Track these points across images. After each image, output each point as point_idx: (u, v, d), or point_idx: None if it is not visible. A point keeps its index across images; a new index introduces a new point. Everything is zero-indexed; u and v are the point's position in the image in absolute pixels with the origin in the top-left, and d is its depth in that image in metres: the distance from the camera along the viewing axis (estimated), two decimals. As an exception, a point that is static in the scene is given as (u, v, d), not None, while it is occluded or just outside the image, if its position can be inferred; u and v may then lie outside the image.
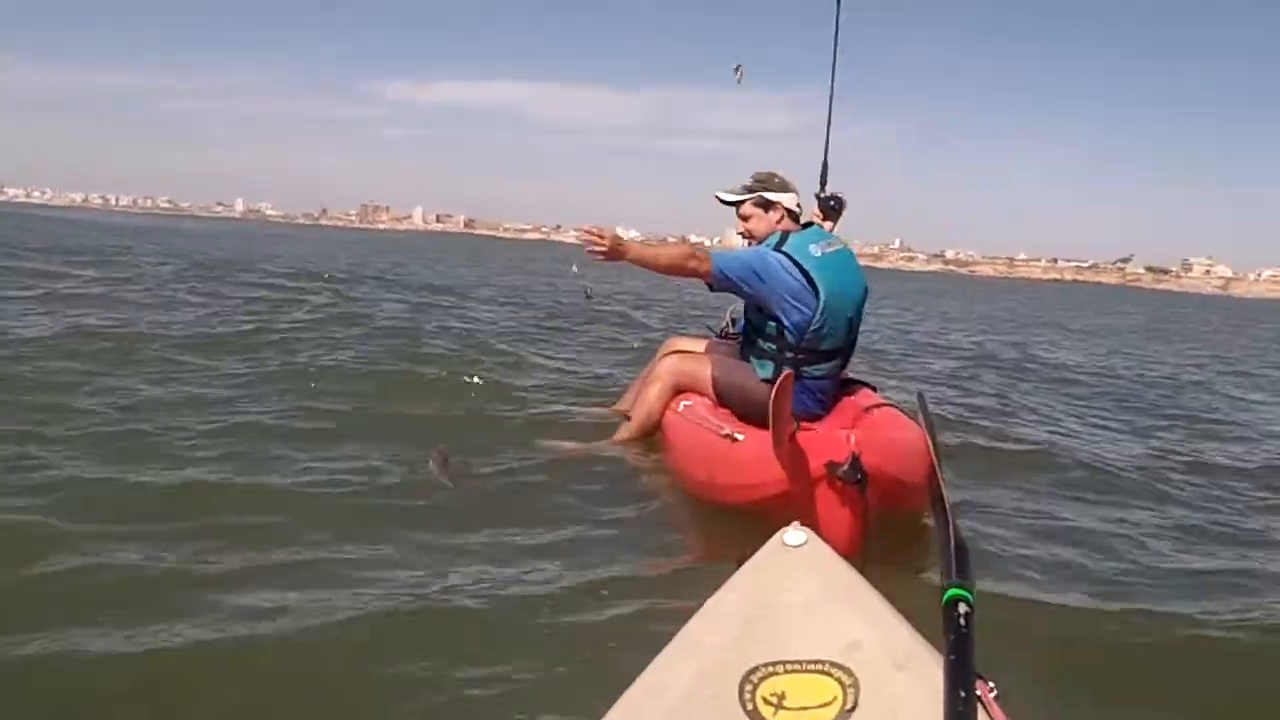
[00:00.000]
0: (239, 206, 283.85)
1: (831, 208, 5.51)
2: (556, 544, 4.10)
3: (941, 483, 1.73)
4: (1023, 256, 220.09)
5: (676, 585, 3.50)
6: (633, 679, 1.77)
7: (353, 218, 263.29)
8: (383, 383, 7.11)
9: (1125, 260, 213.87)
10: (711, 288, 4.89)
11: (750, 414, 4.62)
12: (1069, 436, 7.33)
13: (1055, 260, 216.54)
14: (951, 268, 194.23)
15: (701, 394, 5.07)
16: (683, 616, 1.86)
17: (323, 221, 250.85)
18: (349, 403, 6.32)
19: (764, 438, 3.85)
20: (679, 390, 5.21)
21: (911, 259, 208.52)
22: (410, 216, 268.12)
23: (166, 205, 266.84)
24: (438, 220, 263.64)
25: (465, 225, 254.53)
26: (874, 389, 5.28)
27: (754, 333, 5.03)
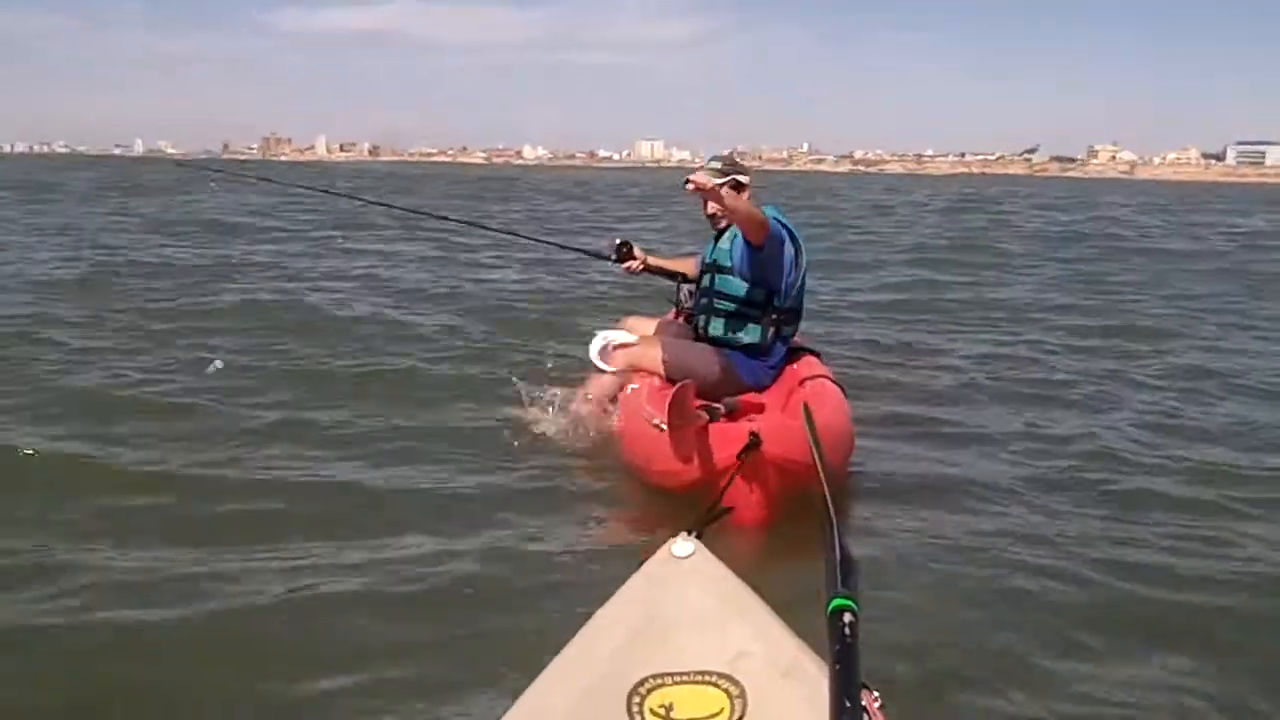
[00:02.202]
0: (138, 147, 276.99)
1: None
2: (479, 523, 4.25)
3: (826, 492, 1.73)
4: (930, 153, 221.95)
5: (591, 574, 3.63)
6: (529, 679, 1.78)
7: (254, 151, 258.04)
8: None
9: (1031, 151, 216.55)
10: (759, 248, 5.03)
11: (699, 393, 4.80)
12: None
13: (963, 154, 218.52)
14: (860, 168, 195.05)
15: (653, 373, 5.20)
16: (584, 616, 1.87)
17: (225, 157, 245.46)
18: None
19: (692, 432, 4.17)
20: (630, 370, 5.36)
21: (820, 161, 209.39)
22: (313, 148, 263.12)
23: (63, 149, 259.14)
24: (341, 149, 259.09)
25: (370, 153, 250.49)
26: (818, 355, 5.65)
27: (738, 303, 5.22)
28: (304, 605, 3.43)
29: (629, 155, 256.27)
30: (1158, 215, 31.73)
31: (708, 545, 1.88)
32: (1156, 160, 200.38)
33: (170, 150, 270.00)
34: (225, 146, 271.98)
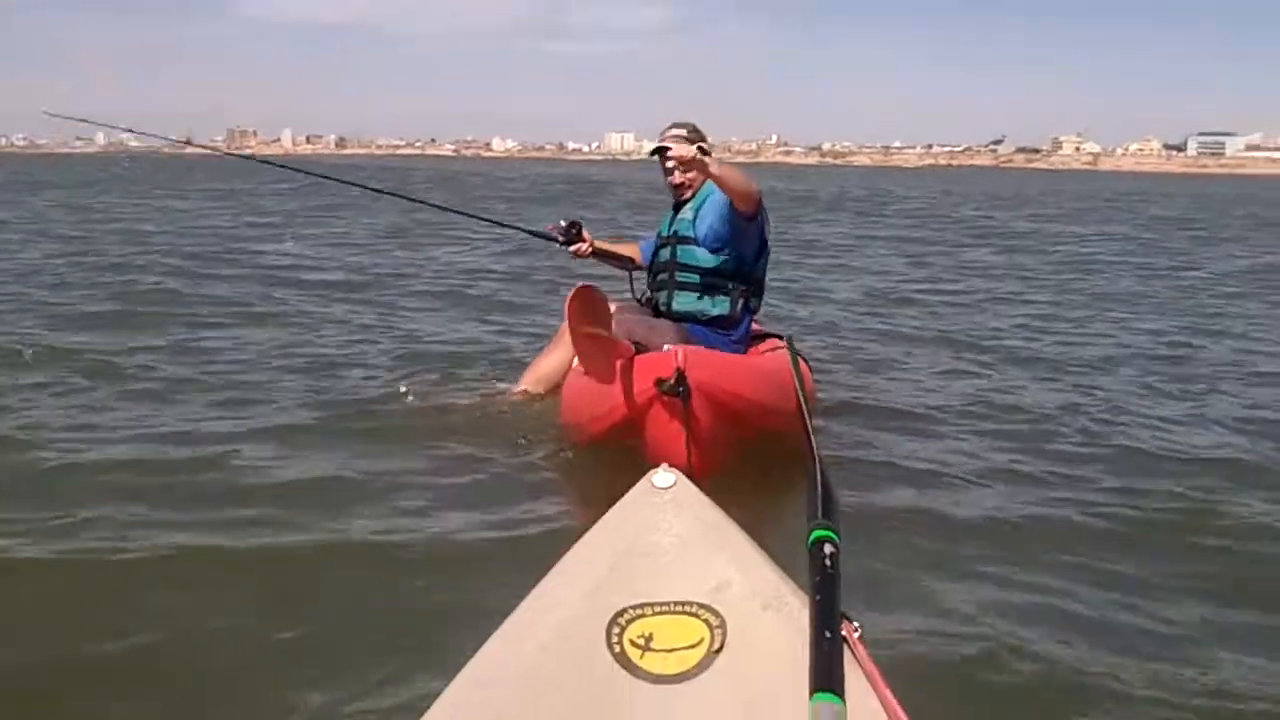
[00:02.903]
0: (99, 139, 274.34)
1: None
2: (427, 494, 4.21)
3: (808, 422, 1.73)
4: (897, 144, 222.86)
5: (544, 537, 3.59)
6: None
7: (220, 144, 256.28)
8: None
9: (997, 142, 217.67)
10: (751, 217, 4.94)
11: None
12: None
13: (930, 146, 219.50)
14: (828, 159, 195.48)
15: None
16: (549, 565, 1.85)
17: (188, 150, 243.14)
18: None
19: (616, 364, 3.99)
20: None
21: (789, 153, 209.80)
22: (279, 140, 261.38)
23: (22, 142, 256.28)
24: (307, 141, 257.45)
25: (337, 145, 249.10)
26: (787, 340, 5.29)
27: (706, 274, 5.06)
28: (256, 579, 3.38)
29: (599, 147, 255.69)
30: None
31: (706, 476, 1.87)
32: (1120, 151, 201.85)
33: (133, 144, 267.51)
34: (188, 140, 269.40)
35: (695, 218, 5.09)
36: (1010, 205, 33.95)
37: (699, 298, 5.07)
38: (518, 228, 5.94)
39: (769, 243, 5.20)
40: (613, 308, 5.24)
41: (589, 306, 4.03)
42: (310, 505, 3.99)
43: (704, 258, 5.06)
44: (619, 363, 3.97)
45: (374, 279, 11.06)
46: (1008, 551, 3.71)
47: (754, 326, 5.38)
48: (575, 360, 4.96)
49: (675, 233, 5.17)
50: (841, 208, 30.56)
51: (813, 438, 1.78)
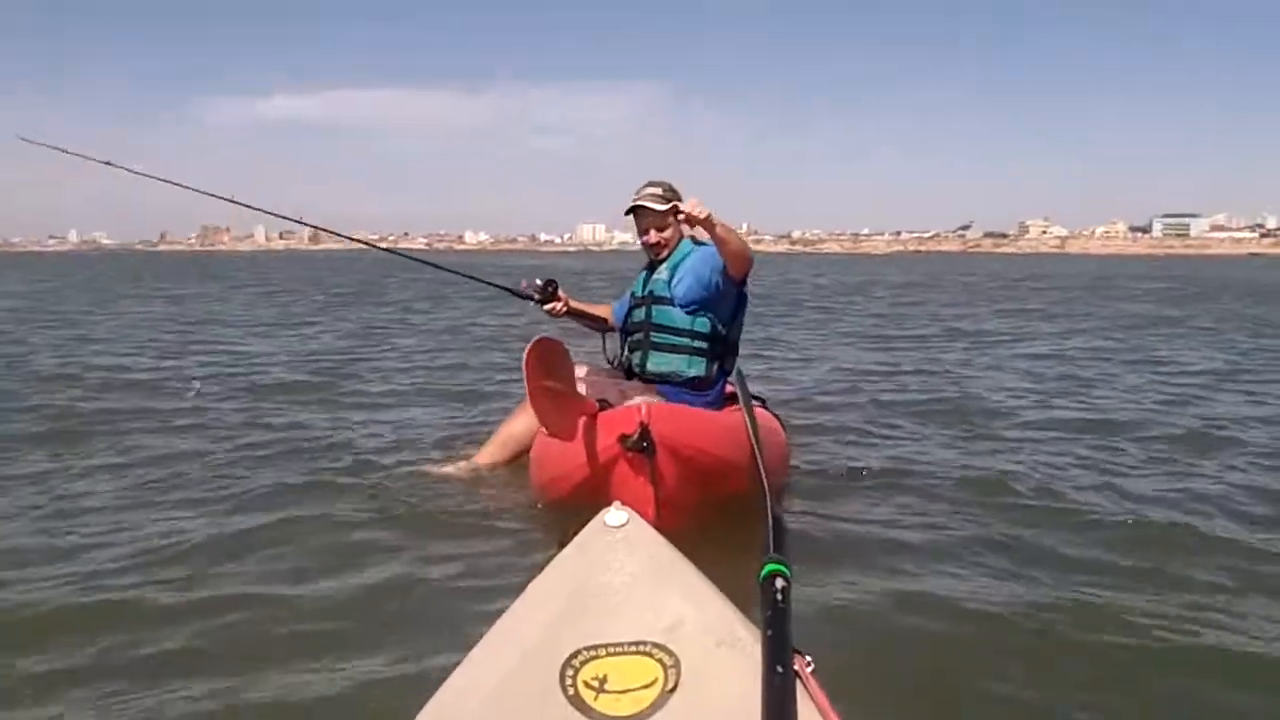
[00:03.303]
0: (72, 237, 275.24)
1: None
2: (388, 556, 4.11)
3: (760, 459, 1.72)
4: (866, 231, 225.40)
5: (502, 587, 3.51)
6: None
7: (193, 241, 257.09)
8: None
9: (965, 228, 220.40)
10: (741, 280, 4.90)
11: None
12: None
13: (899, 233, 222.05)
14: (798, 247, 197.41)
15: None
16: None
17: (161, 248, 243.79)
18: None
19: (581, 422, 3.92)
20: None
21: (759, 240, 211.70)
22: (252, 236, 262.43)
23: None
24: (281, 237, 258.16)
25: (310, 240, 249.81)
26: (763, 401, 5.36)
27: (683, 335, 4.97)
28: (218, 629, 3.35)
29: (570, 238, 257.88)
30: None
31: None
32: (1086, 234, 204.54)
33: (105, 240, 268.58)
34: (162, 236, 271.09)
35: (672, 278, 5.01)
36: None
37: (675, 359, 4.97)
38: (496, 285, 5.93)
39: (746, 304, 5.10)
40: (583, 370, 5.14)
41: (547, 360, 3.96)
42: (269, 568, 3.95)
43: (681, 318, 4.95)
44: (582, 419, 3.92)
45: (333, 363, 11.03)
46: (962, 584, 3.72)
47: (728, 388, 5.25)
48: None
49: (651, 292, 5.07)
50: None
51: (763, 472, 1.78)
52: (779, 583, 1.72)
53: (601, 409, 3.93)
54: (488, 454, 5.34)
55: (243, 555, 4.08)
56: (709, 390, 4.93)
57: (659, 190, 5.02)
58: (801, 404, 8.02)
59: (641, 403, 3.80)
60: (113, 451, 6.06)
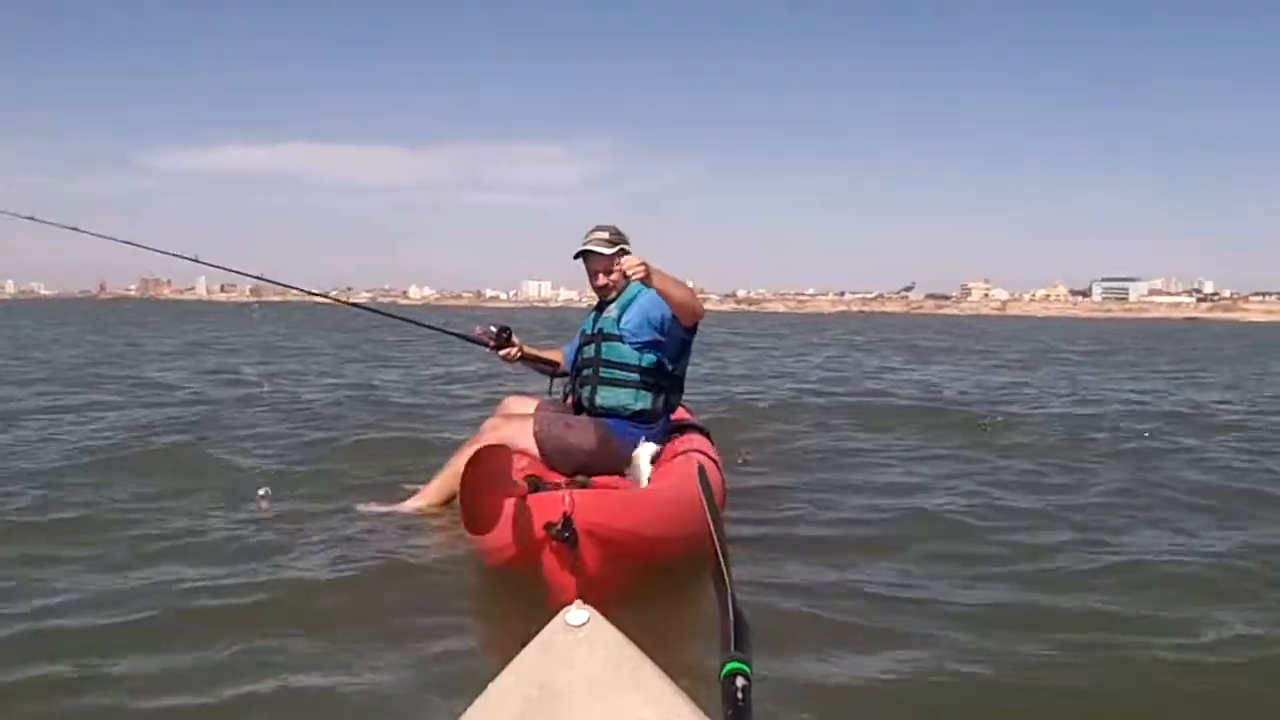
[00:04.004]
0: (9, 288, 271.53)
1: None
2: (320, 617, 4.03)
3: (721, 555, 1.72)
4: (811, 291, 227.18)
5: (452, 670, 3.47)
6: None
7: (133, 291, 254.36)
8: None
9: (908, 289, 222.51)
10: (689, 329, 5.19)
11: (569, 465, 4.80)
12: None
13: (843, 293, 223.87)
14: (743, 306, 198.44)
15: (525, 453, 4.94)
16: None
17: (102, 297, 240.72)
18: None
19: (510, 504, 3.93)
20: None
21: (705, 298, 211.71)
22: (193, 288, 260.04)
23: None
24: (222, 290, 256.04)
25: (251, 293, 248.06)
26: (706, 434, 5.65)
27: (630, 370, 5.19)
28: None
29: (516, 295, 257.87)
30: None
31: (606, 611, 1.87)
32: (1027, 297, 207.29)
33: (44, 290, 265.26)
34: (102, 286, 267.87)
35: (621, 316, 5.23)
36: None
37: (622, 393, 5.18)
38: (451, 333, 5.98)
39: (691, 344, 5.34)
40: (533, 405, 5.36)
41: (488, 470, 3.97)
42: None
43: (628, 354, 5.19)
44: (511, 500, 3.93)
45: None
46: (928, 658, 3.66)
47: (679, 413, 5.61)
48: None
49: (600, 330, 5.30)
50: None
51: (726, 569, 1.78)
52: (739, 681, 1.73)
53: (533, 490, 3.93)
54: (432, 492, 5.40)
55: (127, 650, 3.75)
56: (655, 423, 5.16)
57: (605, 234, 5.28)
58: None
59: (567, 492, 3.77)
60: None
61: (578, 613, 1.87)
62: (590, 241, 5.28)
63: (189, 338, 28.00)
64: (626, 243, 5.31)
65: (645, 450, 4.98)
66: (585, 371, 5.33)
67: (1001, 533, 5.44)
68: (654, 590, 4.04)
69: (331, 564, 4.63)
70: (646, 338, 5.16)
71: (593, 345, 5.33)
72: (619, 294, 5.32)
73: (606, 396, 5.20)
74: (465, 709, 1.81)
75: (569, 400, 5.53)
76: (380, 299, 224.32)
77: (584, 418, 5.17)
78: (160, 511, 5.59)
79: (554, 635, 1.86)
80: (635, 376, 5.19)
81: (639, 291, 5.16)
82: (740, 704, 1.67)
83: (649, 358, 5.18)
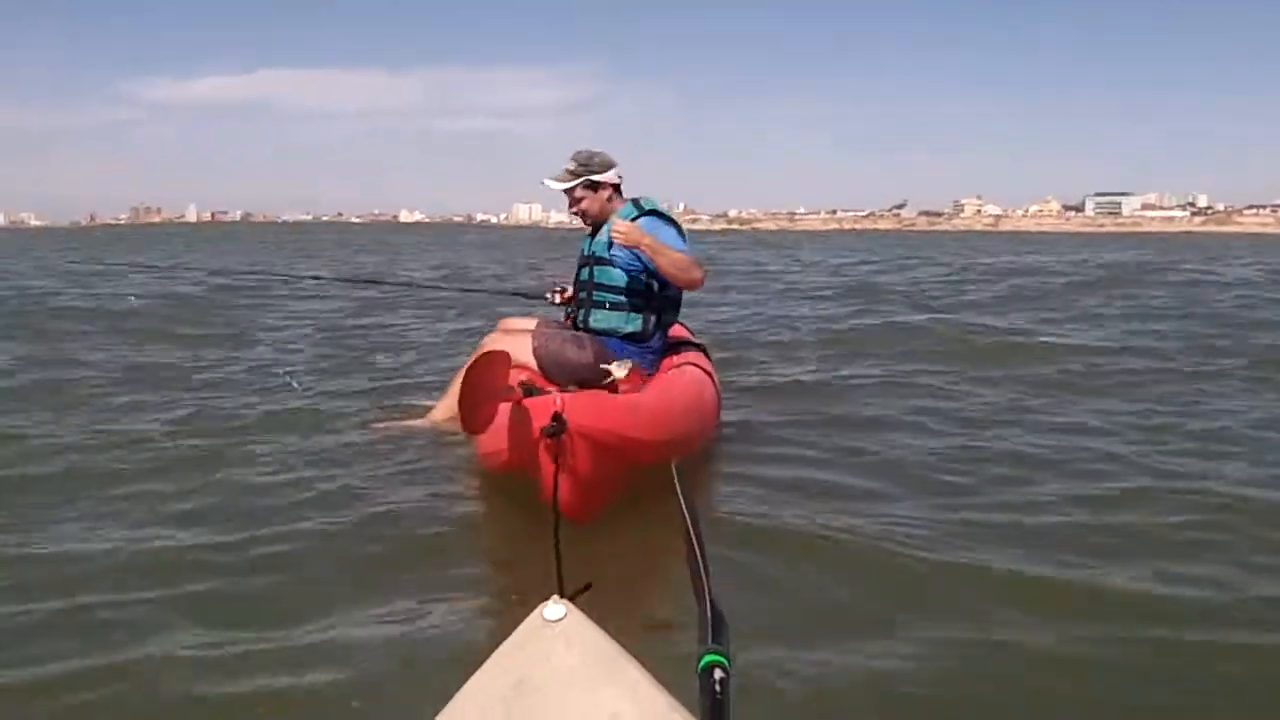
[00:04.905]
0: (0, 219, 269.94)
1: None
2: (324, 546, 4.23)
3: (697, 546, 1.71)
4: (802, 210, 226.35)
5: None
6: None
7: (124, 221, 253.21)
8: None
9: (900, 207, 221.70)
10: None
11: (566, 377, 4.91)
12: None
13: (834, 212, 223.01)
14: (734, 226, 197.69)
15: (524, 366, 5.04)
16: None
17: (89, 225, 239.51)
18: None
19: (505, 408, 4.10)
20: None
21: (696, 220, 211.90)
22: (184, 216, 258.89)
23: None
24: (213, 217, 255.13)
25: (243, 218, 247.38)
26: (703, 349, 5.85)
27: (620, 293, 5.31)
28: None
29: (507, 218, 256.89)
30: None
31: (582, 605, 1.86)
32: (1019, 213, 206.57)
33: (34, 221, 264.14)
34: (91, 217, 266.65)
35: (611, 241, 5.26)
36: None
37: (613, 315, 5.31)
38: (520, 293, 6.46)
39: None
40: (533, 323, 5.46)
41: (486, 375, 4.05)
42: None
43: (618, 278, 5.30)
44: (506, 406, 4.09)
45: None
46: (902, 642, 3.60)
47: (676, 330, 5.77)
48: None
49: (593, 254, 5.40)
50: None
51: (702, 559, 1.77)
52: (717, 674, 1.72)
53: (527, 394, 4.08)
54: (445, 408, 5.56)
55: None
56: (648, 342, 5.33)
57: (571, 167, 5.38)
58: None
59: (559, 394, 3.95)
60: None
61: (555, 607, 1.86)
62: (552, 178, 5.40)
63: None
64: (596, 169, 5.35)
65: (617, 366, 4.96)
66: (581, 294, 5.48)
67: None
68: (632, 582, 4.09)
69: (339, 495, 4.83)
70: (635, 262, 5.21)
71: (586, 269, 5.45)
72: (605, 219, 5.38)
73: (599, 319, 5.33)
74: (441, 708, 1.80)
75: (568, 320, 5.67)
76: (374, 222, 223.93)
77: (581, 334, 5.29)
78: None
79: (530, 630, 1.85)
80: (625, 299, 5.30)
81: (629, 215, 5.25)
82: (719, 697, 1.66)
83: (639, 281, 5.26)
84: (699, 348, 5.79)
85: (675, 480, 2.07)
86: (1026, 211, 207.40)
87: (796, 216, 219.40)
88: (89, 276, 18.81)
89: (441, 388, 6.36)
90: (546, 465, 3.83)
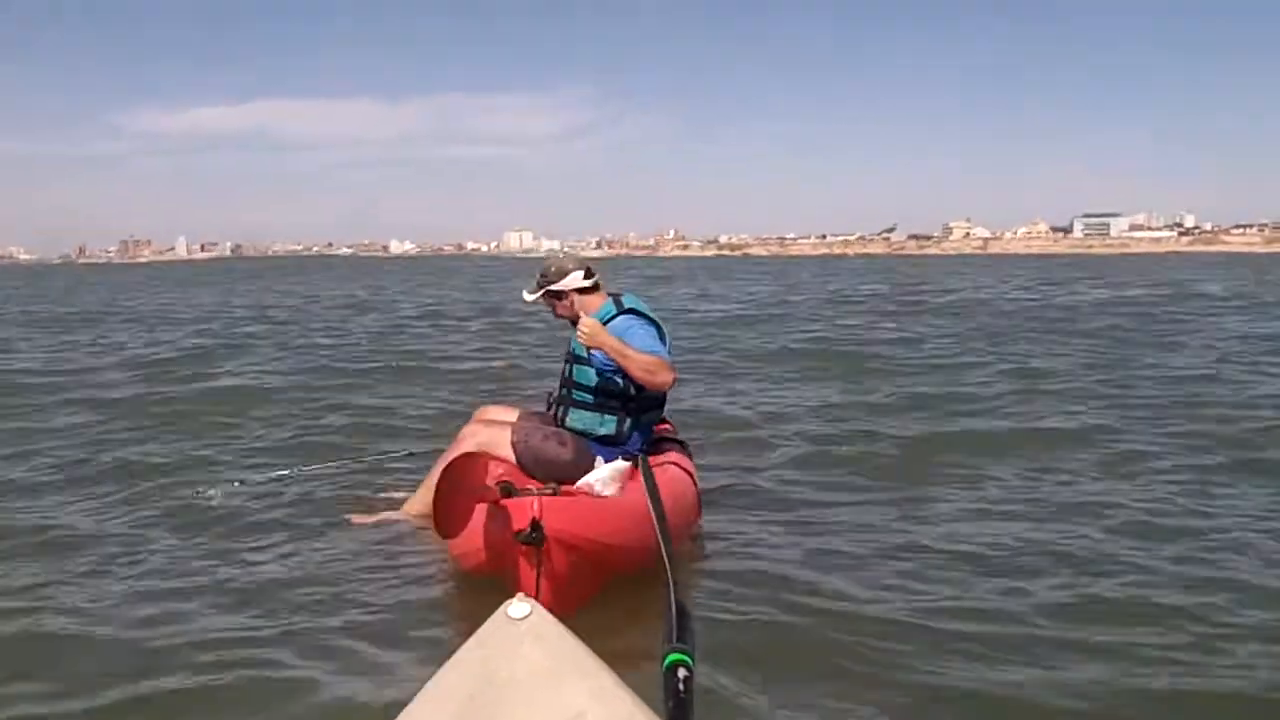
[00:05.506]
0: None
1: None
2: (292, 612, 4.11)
3: (662, 547, 1.71)
4: (792, 235, 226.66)
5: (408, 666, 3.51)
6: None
7: (112, 254, 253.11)
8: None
9: (890, 230, 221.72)
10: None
11: (545, 473, 4.72)
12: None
13: (824, 236, 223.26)
14: (725, 251, 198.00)
15: (503, 460, 4.91)
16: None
17: (80, 261, 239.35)
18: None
19: (481, 509, 3.98)
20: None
21: (686, 246, 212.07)
22: (173, 249, 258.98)
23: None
24: (202, 249, 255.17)
25: (233, 252, 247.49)
26: (683, 445, 5.57)
27: (595, 394, 5.14)
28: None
29: (498, 247, 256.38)
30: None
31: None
32: (1009, 235, 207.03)
33: (23, 256, 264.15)
34: (81, 250, 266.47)
35: None
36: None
37: (589, 416, 5.14)
38: None
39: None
40: (513, 414, 5.32)
41: (464, 474, 3.98)
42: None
43: (592, 377, 5.13)
44: (484, 506, 3.98)
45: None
46: (869, 659, 3.59)
47: (662, 426, 5.57)
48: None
49: (573, 351, 5.23)
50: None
51: (667, 560, 1.77)
52: (681, 672, 1.73)
53: (505, 495, 3.92)
54: (421, 501, 5.30)
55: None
56: (624, 445, 5.05)
57: (538, 278, 5.29)
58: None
59: (536, 498, 3.83)
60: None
61: (519, 605, 1.86)
62: (530, 290, 5.33)
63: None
64: (553, 279, 5.24)
65: (599, 471, 4.66)
66: (562, 391, 5.33)
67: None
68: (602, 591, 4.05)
69: (321, 578, 4.64)
70: (611, 363, 5.04)
71: (568, 365, 5.31)
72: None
73: (574, 419, 5.18)
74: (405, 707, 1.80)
75: (551, 411, 5.51)
76: (361, 254, 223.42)
77: (562, 430, 5.14)
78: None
79: (496, 628, 1.86)
80: (601, 400, 5.16)
81: (609, 315, 5.11)
82: (682, 695, 1.66)
83: (615, 383, 5.11)
84: (680, 445, 5.59)
85: (643, 478, 2.07)
86: (1015, 234, 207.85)
87: (787, 241, 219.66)
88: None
89: (419, 475, 6.10)
90: (525, 572, 3.80)
